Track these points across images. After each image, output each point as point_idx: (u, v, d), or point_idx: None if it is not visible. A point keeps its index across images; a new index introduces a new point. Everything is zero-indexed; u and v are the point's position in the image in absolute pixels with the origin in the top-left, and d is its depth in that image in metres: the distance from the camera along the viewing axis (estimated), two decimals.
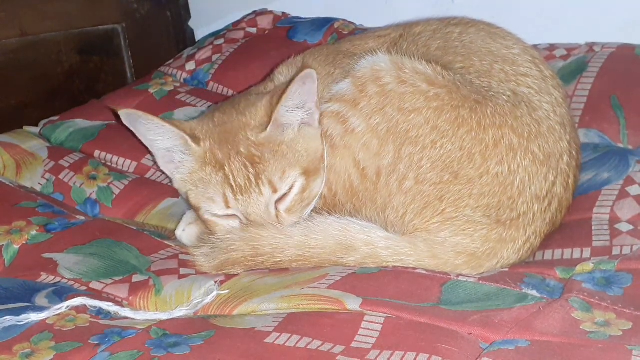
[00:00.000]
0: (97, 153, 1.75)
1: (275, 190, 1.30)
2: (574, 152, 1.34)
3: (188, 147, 1.34)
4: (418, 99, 1.25)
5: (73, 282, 1.27)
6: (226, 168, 1.30)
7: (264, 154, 1.30)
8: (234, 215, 1.32)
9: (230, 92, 1.96)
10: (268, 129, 1.31)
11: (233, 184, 1.30)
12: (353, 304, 1.10)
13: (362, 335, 1.02)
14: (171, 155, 1.38)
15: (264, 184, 1.29)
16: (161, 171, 1.47)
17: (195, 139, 1.33)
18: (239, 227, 1.31)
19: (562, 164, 1.29)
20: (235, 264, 1.27)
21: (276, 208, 1.31)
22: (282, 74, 1.50)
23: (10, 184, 1.58)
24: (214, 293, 1.18)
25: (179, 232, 1.42)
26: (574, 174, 1.34)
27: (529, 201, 1.25)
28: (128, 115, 1.34)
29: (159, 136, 1.36)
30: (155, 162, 1.45)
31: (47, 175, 1.65)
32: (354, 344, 1.00)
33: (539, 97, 1.31)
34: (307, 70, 1.26)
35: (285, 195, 1.31)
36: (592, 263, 1.18)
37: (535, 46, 1.80)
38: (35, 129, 1.87)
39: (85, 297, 1.17)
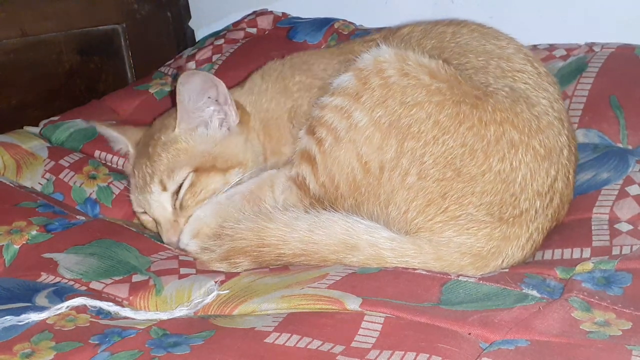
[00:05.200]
0: (97, 153, 1.76)
1: (164, 188, 1.41)
2: (572, 148, 1.34)
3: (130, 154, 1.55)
4: (420, 92, 1.25)
5: (73, 282, 1.28)
6: (135, 170, 1.46)
7: (161, 152, 1.42)
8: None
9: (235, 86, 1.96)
10: (176, 128, 1.44)
11: (137, 185, 1.45)
12: (353, 304, 1.10)
13: (362, 335, 1.02)
14: None
15: (155, 182, 1.41)
16: None
17: (135, 145, 1.52)
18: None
19: (562, 158, 1.29)
20: (241, 254, 1.28)
21: (175, 207, 1.42)
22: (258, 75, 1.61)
23: (11, 184, 1.58)
24: (214, 293, 1.18)
25: (183, 244, 1.40)
26: (574, 169, 1.34)
27: (531, 198, 1.25)
28: None
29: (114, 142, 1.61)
30: None
31: (47, 175, 1.65)
32: (354, 344, 1.00)
33: (536, 93, 1.32)
34: (183, 73, 1.39)
35: (177, 192, 1.41)
36: (592, 263, 1.18)
37: (535, 46, 1.81)
38: (35, 129, 1.87)
39: (85, 297, 1.17)
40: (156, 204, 1.43)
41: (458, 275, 1.20)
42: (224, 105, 1.45)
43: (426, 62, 1.28)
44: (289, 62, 1.59)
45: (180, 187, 1.41)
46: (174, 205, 1.42)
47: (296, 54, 1.64)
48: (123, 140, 1.56)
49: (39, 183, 1.64)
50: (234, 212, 1.35)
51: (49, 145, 1.77)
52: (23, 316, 1.12)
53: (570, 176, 1.32)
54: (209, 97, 1.43)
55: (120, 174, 1.67)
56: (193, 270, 1.30)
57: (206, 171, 1.41)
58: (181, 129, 1.44)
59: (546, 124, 1.28)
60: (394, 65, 1.28)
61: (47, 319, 1.13)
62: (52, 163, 1.68)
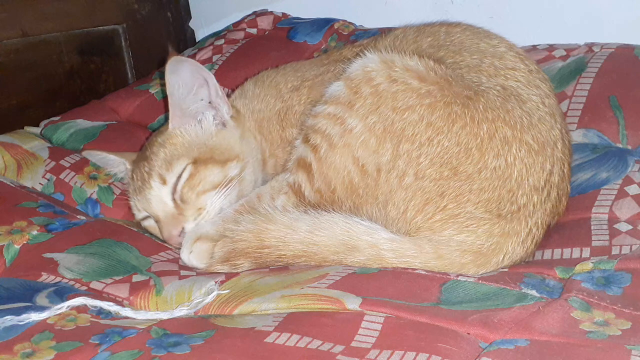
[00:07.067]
0: None
1: (164, 182, 1.40)
2: (566, 142, 1.35)
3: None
4: (410, 97, 1.26)
5: (74, 282, 1.28)
6: (133, 175, 1.46)
7: (158, 150, 1.43)
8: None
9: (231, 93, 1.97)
10: (169, 124, 1.45)
11: (135, 188, 1.45)
12: (353, 303, 1.10)
13: (362, 335, 1.03)
14: None
15: (153, 178, 1.41)
16: None
17: (132, 162, 1.52)
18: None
19: (557, 152, 1.30)
20: (241, 255, 1.28)
21: (175, 200, 1.41)
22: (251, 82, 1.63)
23: (11, 184, 1.58)
24: (215, 293, 1.19)
25: (185, 256, 1.35)
26: (569, 162, 1.35)
27: (528, 193, 1.25)
28: None
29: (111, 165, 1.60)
30: None
31: (48, 175, 1.66)
32: (354, 344, 1.01)
33: (527, 90, 1.33)
34: (171, 60, 1.36)
35: (176, 185, 1.41)
36: (592, 262, 1.19)
37: (534, 46, 1.81)
38: (36, 129, 1.88)
39: (85, 297, 1.17)
40: (156, 199, 1.41)
41: (457, 275, 1.20)
42: (216, 98, 1.45)
43: (414, 65, 1.29)
44: (282, 70, 1.62)
45: (179, 179, 1.40)
46: (174, 198, 1.41)
47: (289, 64, 1.67)
48: (121, 160, 1.56)
49: (40, 183, 1.64)
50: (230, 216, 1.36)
51: (49, 145, 1.77)
52: (24, 316, 1.12)
53: (565, 169, 1.32)
54: (199, 90, 1.43)
55: None
56: (193, 273, 1.30)
57: (204, 163, 1.41)
58: (175, 124, 1.45)
59: (537, 119, 1.29)
60: (381, 73, 1.29)
61: (47, 318, 1.13)
62: (53, 163, 1.68)
